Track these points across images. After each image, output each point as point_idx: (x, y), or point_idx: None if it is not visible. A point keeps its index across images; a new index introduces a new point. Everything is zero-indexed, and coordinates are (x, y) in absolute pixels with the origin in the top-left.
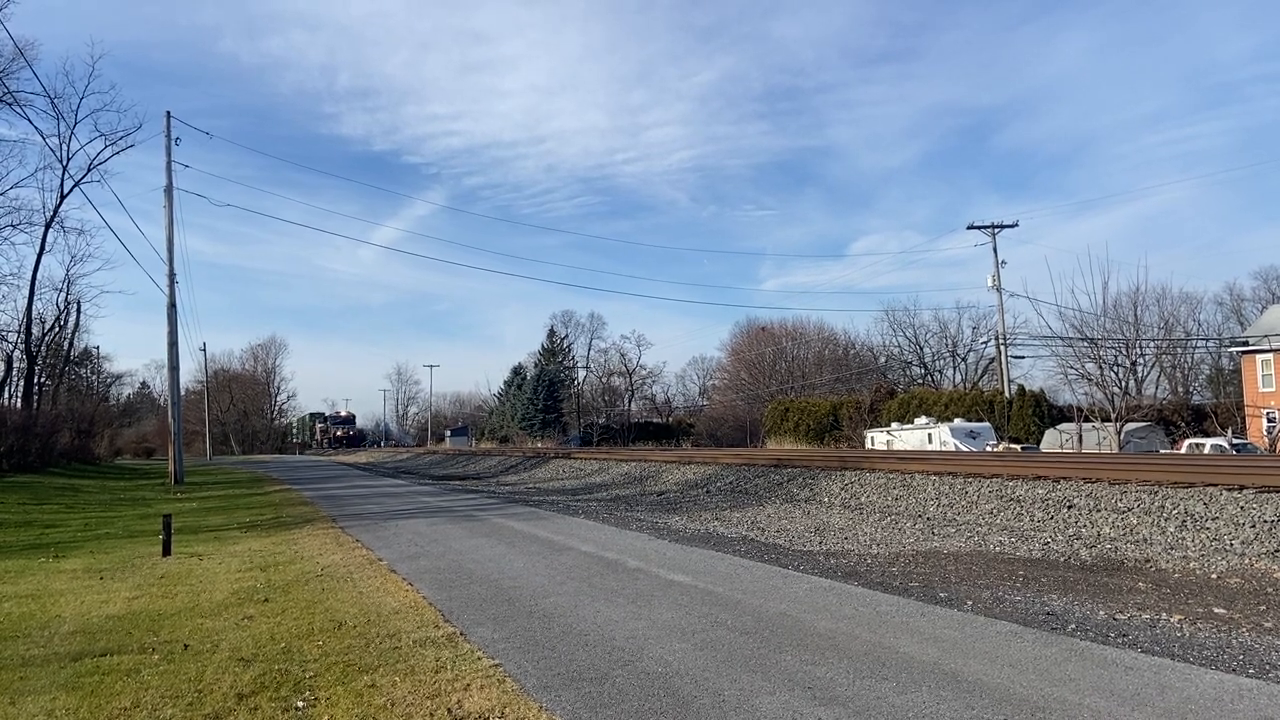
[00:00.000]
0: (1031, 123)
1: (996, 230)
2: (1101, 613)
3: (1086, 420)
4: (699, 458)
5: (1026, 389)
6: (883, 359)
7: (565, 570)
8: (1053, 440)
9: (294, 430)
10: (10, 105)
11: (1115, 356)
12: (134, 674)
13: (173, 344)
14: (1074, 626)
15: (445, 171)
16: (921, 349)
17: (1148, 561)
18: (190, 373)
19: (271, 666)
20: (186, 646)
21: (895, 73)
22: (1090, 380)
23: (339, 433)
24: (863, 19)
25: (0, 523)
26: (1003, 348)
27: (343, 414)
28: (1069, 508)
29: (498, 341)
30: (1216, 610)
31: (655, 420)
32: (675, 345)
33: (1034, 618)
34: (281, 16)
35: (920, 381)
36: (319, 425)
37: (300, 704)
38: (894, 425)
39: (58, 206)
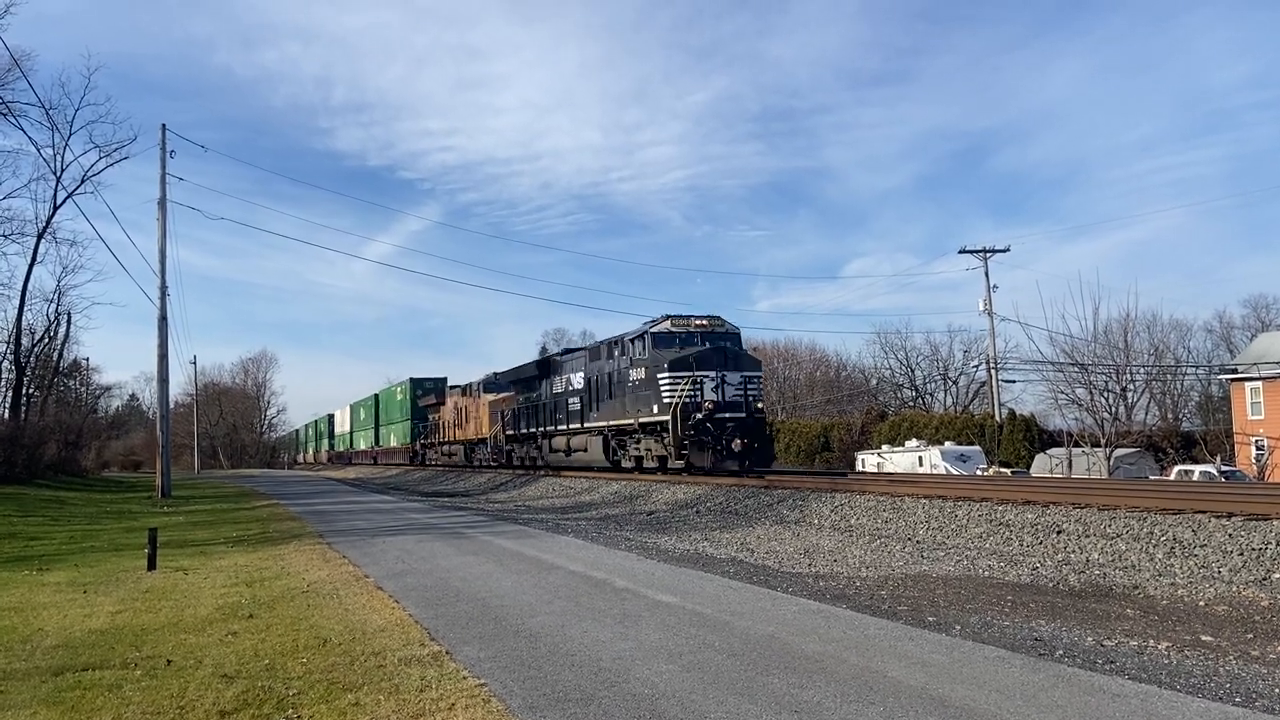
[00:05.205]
0: (1025, 147)
1: (988, 255)
2: (1089, 639)
3: (1076, 445)
4: (689, 478)
5: (1017, 413)
6: (874, 381)
7: (553, 589)
8: (1043, 465)
9: (374, 412)
10: (5, 116)
11: (1105, 382)
12: (116, 689)
13: (163, 357)
14: (1062, 652)
15: (440, 187)
16: (913, 372)
17: (1136, 588)
18: (180, 386)
19: (255, 684)
20: (169, 662)
21: (890, 95)
22: (1080, 405)
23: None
24: (858, 41)
25: None
26: (994, 372)
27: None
28: (1058, 533)
29: (490, 358)
30: (1204, 638)
31: None
32: None
33: (1022, 643)
34: (276, 28)
35: (911, 404)
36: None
37: None
38: (885, 448)
39: (50, 217)
